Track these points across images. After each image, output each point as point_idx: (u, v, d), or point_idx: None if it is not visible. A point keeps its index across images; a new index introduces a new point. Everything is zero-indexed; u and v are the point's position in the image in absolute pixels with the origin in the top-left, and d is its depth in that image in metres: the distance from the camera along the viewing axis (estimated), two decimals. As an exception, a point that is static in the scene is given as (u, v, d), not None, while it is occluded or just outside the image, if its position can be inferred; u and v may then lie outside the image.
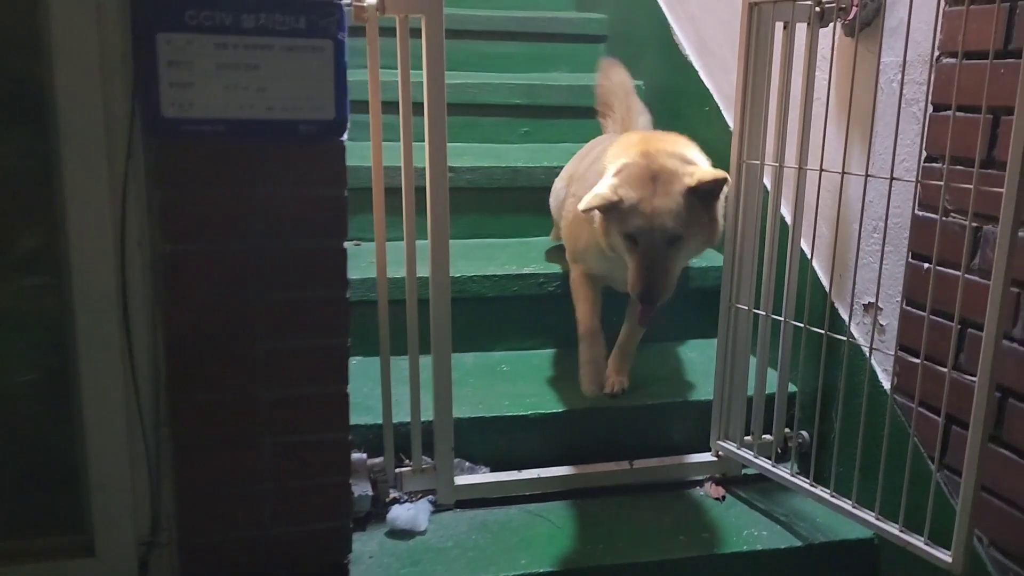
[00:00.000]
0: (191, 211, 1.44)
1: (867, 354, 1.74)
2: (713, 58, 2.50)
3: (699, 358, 2.28)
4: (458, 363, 2.18)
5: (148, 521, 1.54)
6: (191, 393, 1.50)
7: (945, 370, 1.49)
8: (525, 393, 2.05)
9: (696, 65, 2.58)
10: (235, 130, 1.42)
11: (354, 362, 2.14)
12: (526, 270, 2.24)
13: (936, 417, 1.60)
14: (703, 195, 1.76)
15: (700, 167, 1.82)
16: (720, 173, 1.75)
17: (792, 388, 2.02)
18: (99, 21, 1.34)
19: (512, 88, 2.83)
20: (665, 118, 2.78)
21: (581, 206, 1.75)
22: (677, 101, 2.69)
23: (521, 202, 2.57)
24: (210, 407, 1.52)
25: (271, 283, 1.50)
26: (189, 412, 1.51)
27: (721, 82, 2.46)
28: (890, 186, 1.55)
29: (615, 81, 2.50)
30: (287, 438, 1.57)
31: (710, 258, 2.40)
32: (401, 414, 1.82)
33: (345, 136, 1.50)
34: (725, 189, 1.82)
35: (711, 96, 2.49)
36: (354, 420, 1.85)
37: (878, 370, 1.81)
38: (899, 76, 1.60)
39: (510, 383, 2.10)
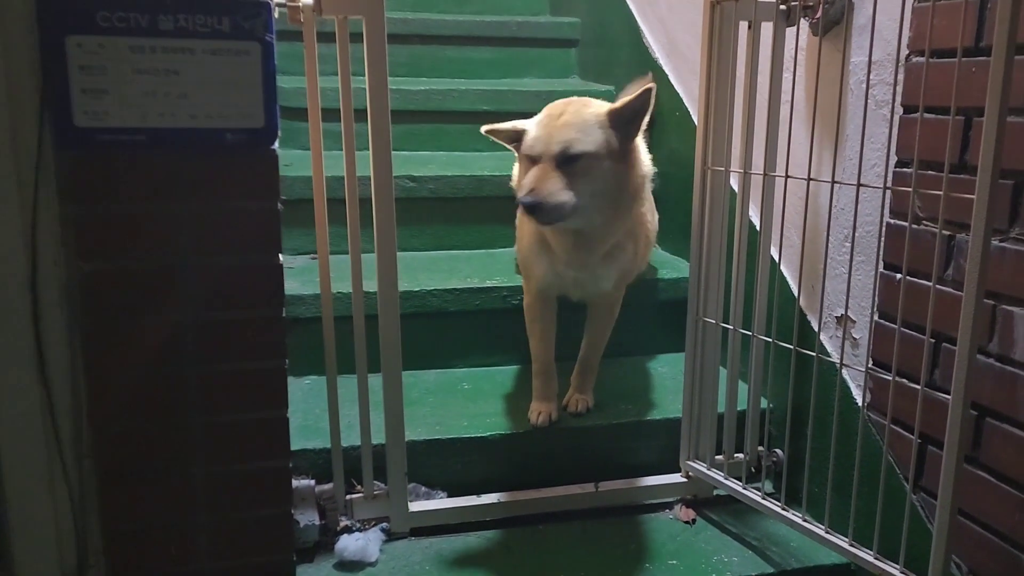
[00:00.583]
0: (110, 228, 1.35)
1: (838, 369, 1.65)
2: (683, 61, 2.42)
3: (669, 372, 2.19)
4: (418, 381, 2.10)
5: (74, 557, 1.45)
6: (115, 422, 1.41)
7: (917, 386, 1.40)
8: (486, 412, 1.95)
9: (666, 69, 2.50)
10: (155, 140, 1.33)
11: (307, 382, 2.08)
12: (489, 283, 2.15)
13: (910, 436, 1.51)
14: (622, 123, 1.69)
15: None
16: (642, 90, 1.67)
17: (765, 404, 1.93)
18: (2, 23, 1.24)
19: (480, 94, 2.75)
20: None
21: (485, 128, 1.80)
22: (649, 106, 2.60)
23: (487, 212, 2.48)
24: (137, 436, 1.43)
25: (201, 303, 1.41)
26: (114, 442, 1.42)
27: (691, 86, 2.37)
28: (857, 192, 1.46)
29: None
30: (222, 467, 1.47)
31: (680, 268, 2.31)
32: (353, 437, 1.73)
33: (276, 145, 1.41)
34: (646, 117, 1.72)
35: (681, 100, 2.40)
36: (303, 444, 1.77)
37: (851, 385, 1.72)
38: (867, 76, 1.51)
39: (471, 401, 2.01)
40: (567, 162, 1.66)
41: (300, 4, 1.51)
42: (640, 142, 1.79)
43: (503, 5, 3.30)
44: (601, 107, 1.73)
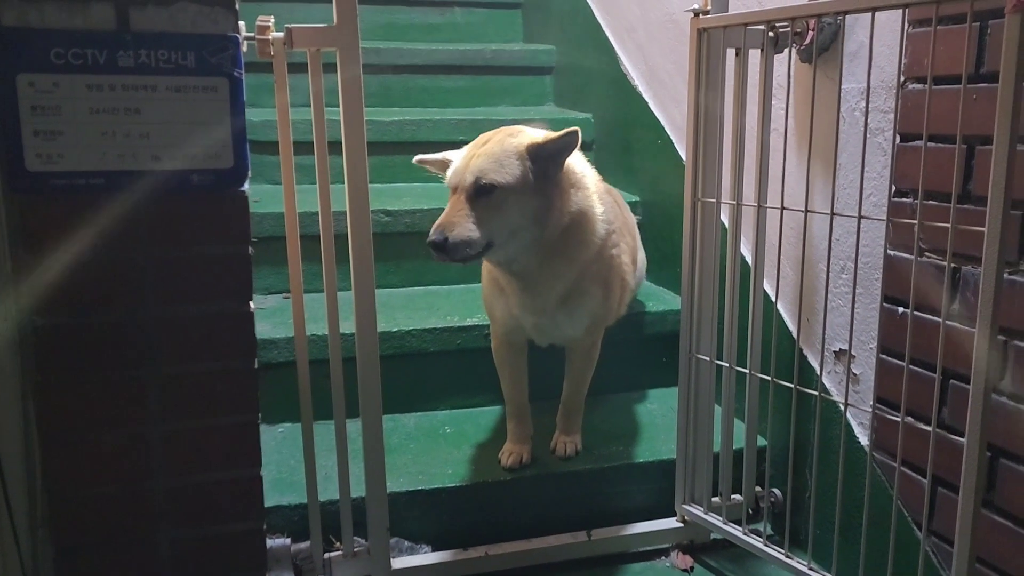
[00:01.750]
0: (66, 278, 1.25)
1: (841, 408, 1.58)
2: (663, 88, 2.37)
3: (660, 410, 2.11)
4: (398, 426, 2.00)
5: (28, 636, 1.33)
6: (72, 487, 1.30)
7: (926, 428, 1.33)
8: (471, 458, 1.86)
9: (646, 96, 2.45)
10: (115, 183, 1.24)
11: (280, 430, 1.98)
12: (469, 321, 2.07)
13: (920, 477, 1.44)
14: (543, 157, 1.61)
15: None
16: (567, 131, 1.60)
17: (762, 442, 1.86)
18: (-56, 62, 1.15)
19: (455, 124, 2.67)
20: (616, 153, 2.64)
21: (416, 158, 1.81)
22: (628, 134, 2.55)
23: (466, 245, 2.39)
24: (96, 502, 1.32)
25: (166, 356, 1.31)
26: (71, 509, 1.31)
27: (673, 114, 2.32)
28: (858, 225, 1.40)
29: None
30: (189, 531, 1.36)
31: (667, 300, 2.25)
32: (332, 490, 1.62)
33: (247, 186, 1.32)
34: (575, 153, 1.66)
35: (663, 129, 2.35)
36: (277, 500, 1.67)
37: (854, 423, 1.66)
38: (862, 104, 1.46)
39: (454, 447, 1.91)
40: (480, 194, 1.58)
41: (270, 37, 1.42)
42: (584, 180, 1.71)
43: (476, 33, 3.24)
44: (526, 138, 1.65)
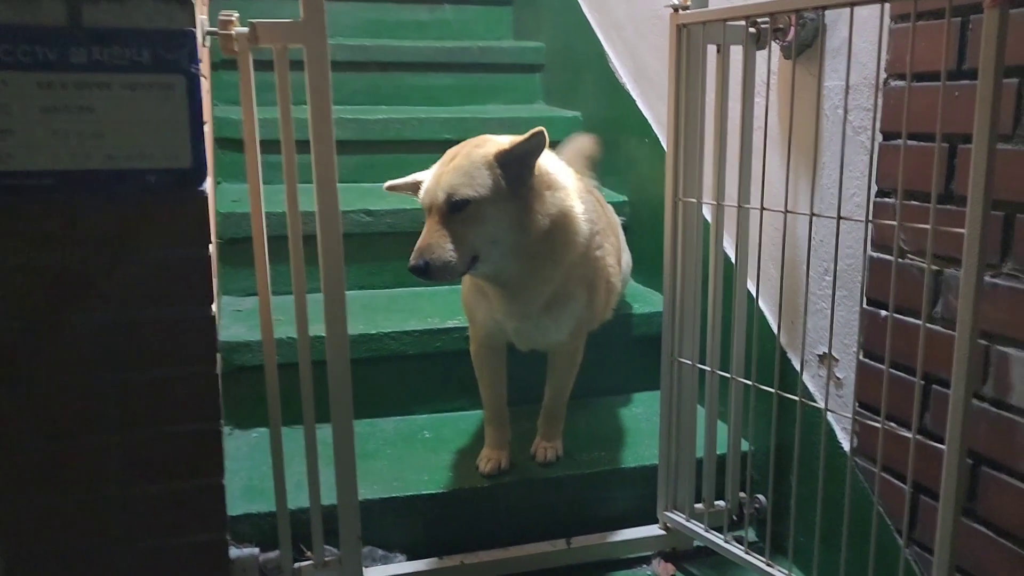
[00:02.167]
0: (19, 282, 1.21)
1: (823, 413, 1.54)
2: (651, 86, 2.33)
3: (645, 413, 2.08)
4: (376, 430, 1.97)
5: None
6: (25, 497, 1.27)
7: (908, 434, 1.29)
8: (449, 464, 1.83)
9: (634, 94, 2.41)
10: (67, 184, 1.21)
11: (254, 435, 1.94)
12: (450, 323, 2.03)
13: (901, 484, 1.40)
14: (512, 163, 1.57)
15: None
16: (532, 132, 1.55)
17: (746, 446, 1.82)
18: None
19: (441, 123, 2.64)
20: (604, 150, 2.60)
21: (386, 185, 1.75)
22: (616, 132, 2.51)
23: (450, 246, 2.35)
24: (50, 513, 1.28)
25: (122, 363, 1.28)
26: (23, 520, 1.27)
27: (661, 112, 2.28)
28: (837, 226, 1.36)
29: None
30: (147, 543, 1.33)
31: (653, 302, 2.20)
32: (303, 497, 1.59)
33: (206, 186, 1.28)
34: (547, 154, 1.62)
35: (650, 126, 2.31)
36: (246, 508, 1.64)
37: (836, 428, 1.62)
38: (844, 102, 1.42)
39: (432, 452, 1.88)
40: (455, 210, 1.54)
41: (233, 33, 1.39)
42: (559, 179, 1.66)
43: (465, 30, 3.20)
44: (493, 146, 1.60)
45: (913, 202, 1.36)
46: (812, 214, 1.40)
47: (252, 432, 1.92)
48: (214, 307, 1.36)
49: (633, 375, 2.17)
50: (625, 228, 2.27)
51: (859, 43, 1.44)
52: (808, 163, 1.61)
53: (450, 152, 1.64)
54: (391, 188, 1.74)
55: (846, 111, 1.34)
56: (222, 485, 1.36)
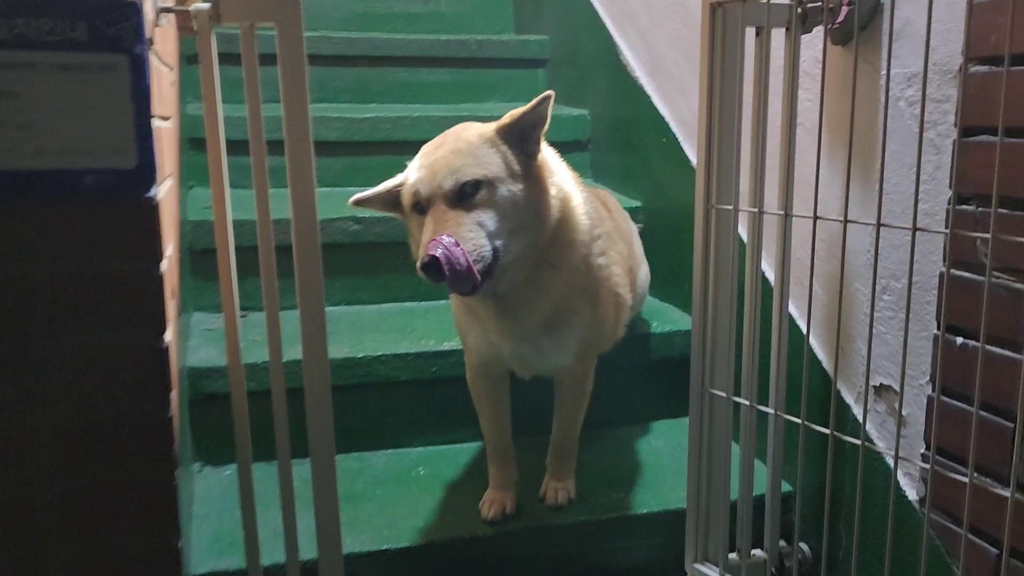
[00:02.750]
0: (-80, 306, 0.99)
1: (889, 461, 1.33)
2: (669, 80, 2.11)
3: (666, 446, 1.85)
4: (364, 467, 1.74)
5: None
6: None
7: (1001, 490, 1.07)
8: (447, 506, 1.60)
9: (648, 89, 2.19)
10: (-20, 187, 0.98)
11: (227, 472, 1.71)
12: (447, 345, 1.81)
13: (986, 545, 1.19)
14: (516, 138, 1.37)
15: None
16: (540, 98, 1.36)
17: (787, 487, 1.60)
18: None
19: (436, 122, 2.41)
20: (615, 153, 2.39)
21: (352, 199, 1.45)
22: (629, 133, 2.29)
23: (446, 257, 2.13)
24: (-34, 586, 1.05)
25: (58, 398, 1.05)
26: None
27: (680, 109, 2.06)
28: (913, 238, 1.14)
29: None
30: (87, 620, 1.10)
31: (675, 320, 1.99)
32: (280, 550, 1.36)
33: (154, 190, 1.06)
34: (544, 129, 1.40)
35: (668, 126, 2.09)
36: (213, 565, 1.42)
37: (899, 473, 1.40)
38: (908, 93, 1.21)
39: (428, 492, 1.65)
40: (465, 196, 1.31)
41: (192, 8, 1.16)
42: (555, 164, 1.46)
43: (462, 23, 2.98)
44: (487, 125, 1.40)
45: (1002, 210, 1.14)
46: (879, 223, 1.18)
47: (225, 469, 1.70)
48: (169, 333, 1.14)
49: (653, 402, 1.96)
50: (641, 237, 2.06)
51: (925, 23, 1.23)
52: (863, 165, 1.40)
53: (431, 144, 1.42)
54: (359, 202, 1.45)
55: (923, 101, 1.12)
56: (178, 549, 1.14)
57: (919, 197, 1.29)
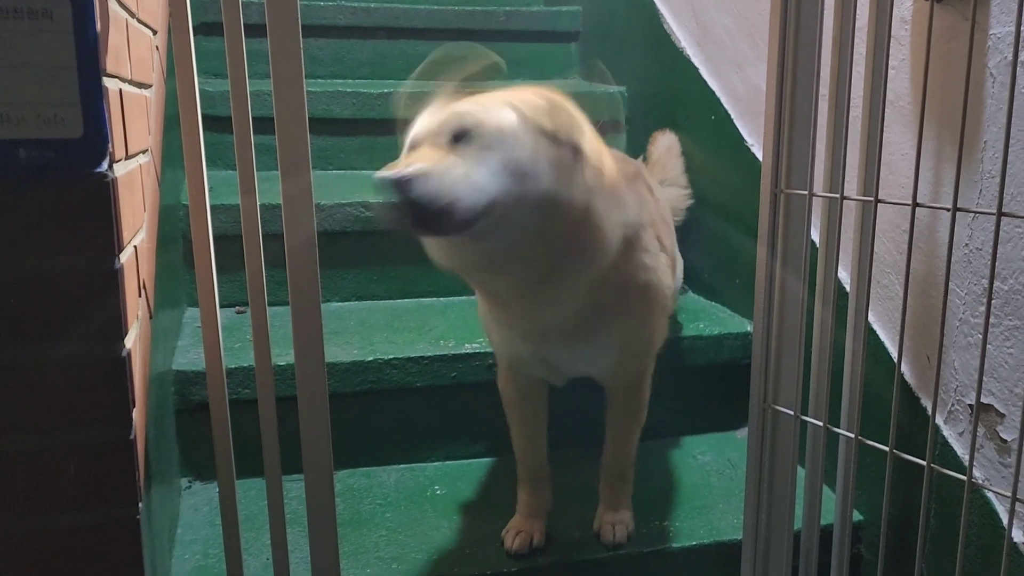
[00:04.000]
0: None
1: (990, 497, 1.11)
2: (720, 51, 1.89)
3: (714, 463, 1.64)
4: (374, 484, 1.55)
5: None
6: None
7: None
8: (467, 534, 1.40)
9: (696, 62, 1.97)
10: None
11: (216, 490, 1.52)
12: (468, 347, 1.60)
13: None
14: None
15: None
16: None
17: (858, 517, 1.39)
18: None
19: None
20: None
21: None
22: (672, 110, 2.07)
23: (469, 247, 1.93)
24: None
25: (-12, 424, 0.87)
26: None
27: (733, 82, 1.84)
28: (997, 224, 0.92)
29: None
30: None
31: (724, 321, 1.77)
32: (271, 586, 1.17)
33: (105, 166, 0.86)
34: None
35: (719, 102, 1.86)
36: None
37: (997, 506, 1.18)
38: (1014, 57, 0.99)
39: (444, 516, 1.45)
40: (461, 138, 1.08)
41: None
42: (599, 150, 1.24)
43: (488, -6, 2.77)
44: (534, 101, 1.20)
45: None
46: (1000, 213, 0.96)
47: (213, 485, 1.51)
48: (130, 339, 0.94)
49: (698, 413, 1.74)
50: (677, 227, 1.84)
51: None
52: (956, 143, 1.17)
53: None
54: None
55: (1015, 64, 0.90)
56: (140, 603, 0.95)
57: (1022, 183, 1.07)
